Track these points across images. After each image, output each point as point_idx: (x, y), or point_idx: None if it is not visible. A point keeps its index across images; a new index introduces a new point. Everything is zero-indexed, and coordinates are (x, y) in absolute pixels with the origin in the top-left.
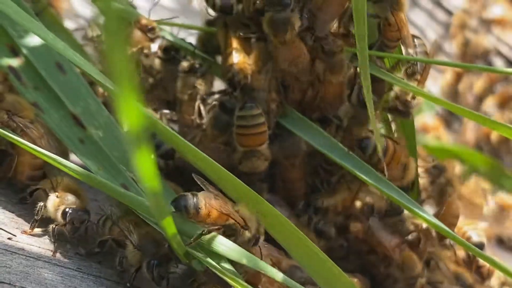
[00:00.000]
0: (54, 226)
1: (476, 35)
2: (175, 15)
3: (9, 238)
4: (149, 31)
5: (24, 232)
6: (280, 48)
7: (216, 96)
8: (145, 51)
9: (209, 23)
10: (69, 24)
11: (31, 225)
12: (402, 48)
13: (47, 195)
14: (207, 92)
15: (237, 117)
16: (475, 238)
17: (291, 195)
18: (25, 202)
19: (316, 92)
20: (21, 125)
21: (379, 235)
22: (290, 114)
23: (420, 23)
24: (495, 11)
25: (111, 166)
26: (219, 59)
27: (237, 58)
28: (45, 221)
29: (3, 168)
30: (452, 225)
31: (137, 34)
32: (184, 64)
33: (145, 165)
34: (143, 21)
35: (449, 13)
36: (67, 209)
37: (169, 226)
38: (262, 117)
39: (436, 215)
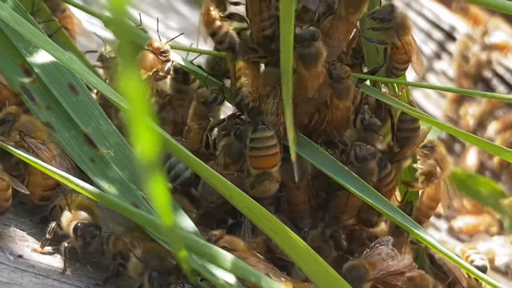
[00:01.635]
0: (66, 244)
1: (478, 55)
2: (185, 38)
3: (19, 256)
4: (162, 54)
5: (35, 250)
6: (309, 79)
7: (226, 122)
8: (160, 73)
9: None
10: (81, 45)
11: (41, 243)
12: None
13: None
14: (216, 122)
15: (250, 140)
16: (478, 262)
17: (296, 218)
18: (46, 222)
19: (322, 117)
20: (32, 146)
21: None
22: (296, 137)
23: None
24: (498, 36)
25: (121, 185)
26: (227, 82)
27: (246, 81)
28: (55, 240)
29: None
30: (431, 208)
31: (150, 57)
32: (200, 93)
33: (157, 185)
34: (156, 44)
35: (446, 33)
36: (78, 224)
37: (178, 244)
38: (275, 139)
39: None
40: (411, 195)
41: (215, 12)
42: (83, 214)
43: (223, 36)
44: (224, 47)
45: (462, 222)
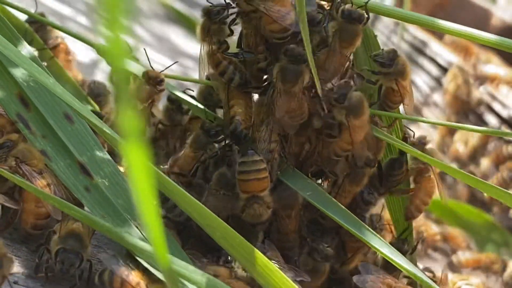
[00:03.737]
0: (46, 266)
1: (468, 87)
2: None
3: (15, 282)
4: (158, 84)
5: (29, 276)
6: (282, 97)
7: (220, 153)
8: (155, 104)
9: (211, 76)
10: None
11: (35, 269)
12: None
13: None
14: (210, 154)
15: (239, 164)
16: None
17: (284, 247)
18: (41, 246)
19: (313, 147)
20: (27, 173)
21: None
22: (287, 168)
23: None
24: (489, 68)
25: (115, 214)
26: (219, 112)
27: (239, 110)
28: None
29: (9, 214)
30: (424, 203)
31: (146, 87)
32: (204, 122)
33: (150, 215)
34: (152, 74)
35: (440, 66)
36: (61, 249)
37: (171, 273)
38: (263, 163)
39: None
40: (408, 233)
41: (215, 47)
42: (69, 241)
43: (225, 67)
44: (233, 85)
45: (462, 256)
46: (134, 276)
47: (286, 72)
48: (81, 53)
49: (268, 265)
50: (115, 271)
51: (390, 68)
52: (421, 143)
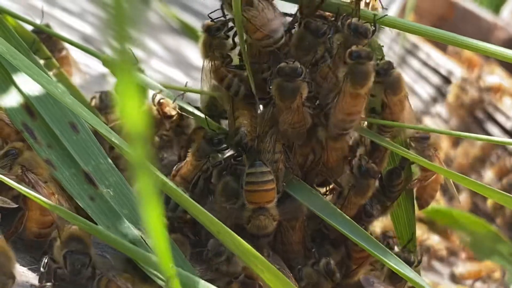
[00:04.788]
0: (56, 268)
1: (472, 97)
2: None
3: None
4: (167, 118)
5: (34, 286)
6: (282, 111)
7: (224, 163)
8: (164, 133)
9: (215, 88)
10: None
11: (39, 278)
12: None
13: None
14: (213, 163)
15: (247, 174)
16: None
17: (289, 258)
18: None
19: (318, 158)
20: (32, 181)
21: None
22: (291, 179)
23: (410, 82)
24: (492, 79)
25: (120, 224)
26: (223, 123)
27: (245, 121)
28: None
29: (14, 223)
30: (431, 197)
31: (155, 114)
32: (206, 131)
33: (155, 224)
34: (165, 109)
35: (442, 76)
36: (68, 252)
37: (175, 283)
38: (271, 174)
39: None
40: (412, 245)
41: (218, 62)
42: (72, 243)
43: (230, 81)
44: (239, 97)
45: (463, 268)
46: (120, 277)
47: (283, 90)
48: (90, 65)
49: (276, 273)
50: (103, 273)
51: (381, 78)
52: (423, 138)
